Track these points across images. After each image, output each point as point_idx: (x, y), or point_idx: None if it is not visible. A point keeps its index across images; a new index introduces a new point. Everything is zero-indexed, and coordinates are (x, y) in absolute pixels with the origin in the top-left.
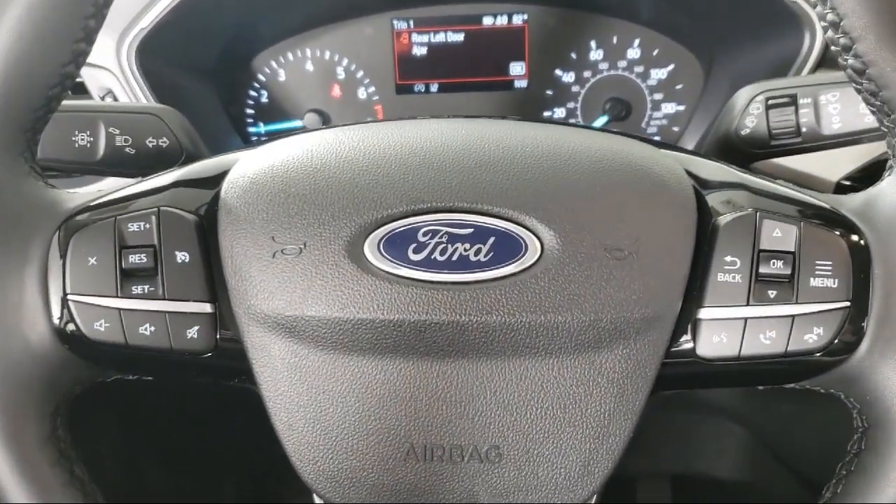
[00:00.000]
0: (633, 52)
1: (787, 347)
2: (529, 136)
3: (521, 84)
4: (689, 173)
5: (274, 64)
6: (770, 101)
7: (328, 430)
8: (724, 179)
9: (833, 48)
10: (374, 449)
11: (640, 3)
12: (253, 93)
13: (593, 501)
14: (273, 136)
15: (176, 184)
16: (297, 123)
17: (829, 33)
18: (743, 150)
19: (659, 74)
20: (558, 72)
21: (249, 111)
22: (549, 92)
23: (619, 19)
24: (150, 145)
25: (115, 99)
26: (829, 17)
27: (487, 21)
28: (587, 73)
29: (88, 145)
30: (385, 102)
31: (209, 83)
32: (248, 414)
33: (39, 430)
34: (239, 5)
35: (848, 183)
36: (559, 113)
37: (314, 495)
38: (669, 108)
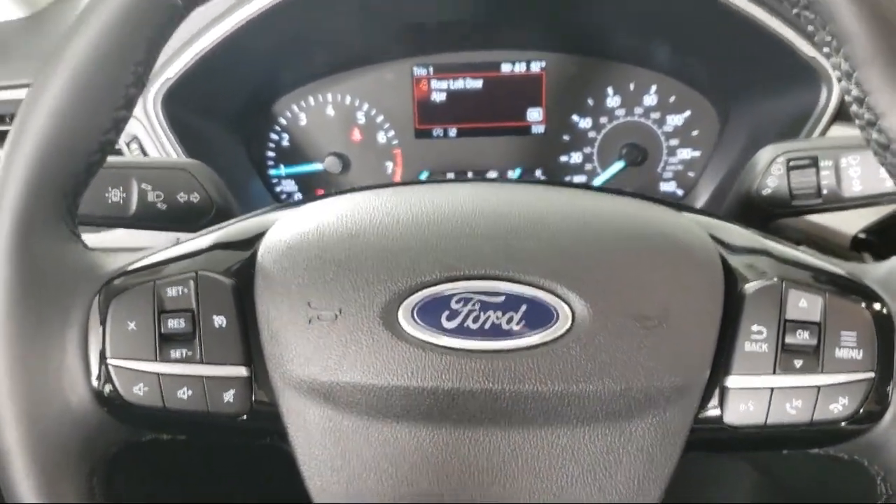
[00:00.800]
0: (650, 99)
1: (813, 417)
2: (558, 203)
3: (538, 129)
4: (714, 238)
5: (295, 108)
6: (792, 163)
7: (361, 494)
8: (749, 245)
9: (847, 98)
10: None
11: (657, 51)
12: (274, 136)
13: None
14: (296, 178)
15: (212, 247)
16: (318, 167)
17: (843, 83)
18: (764, 209)
19: (675, 121)
20: (575, 117)
21: (270, 154)
22: (566, 137)
23: (635, 66)
24: (182, 200)
25: (141, 145)
26: (843, 67)
27: (506, 68)
28: (604, 119)
29: (121, 201)
30: (404, 146)
31: (232, 128)
32: (280, 473)
33: (77, 491)
34: (263, 55)
35: (864, 236)
36: (576, 158)
37: None
38: (685, 153)
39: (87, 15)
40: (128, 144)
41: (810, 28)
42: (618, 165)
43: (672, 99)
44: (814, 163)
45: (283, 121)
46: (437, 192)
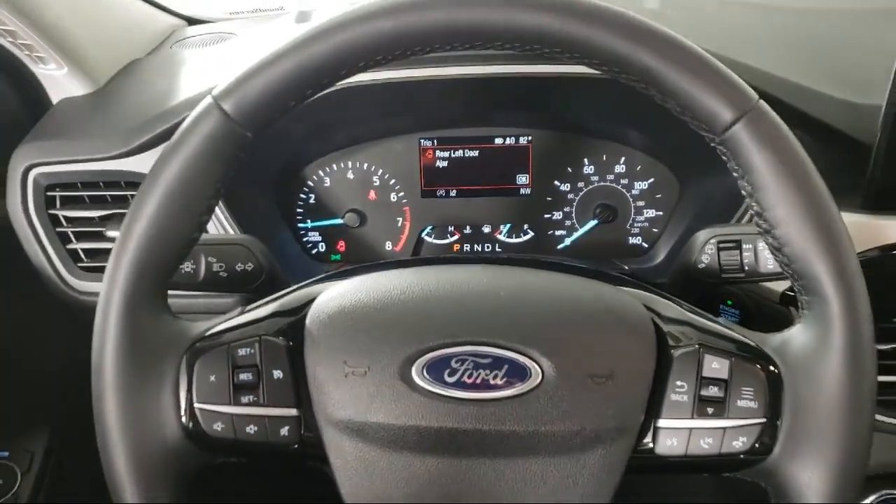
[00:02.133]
0: (620, 168)
1: (721, 450)
2: (531, 284)
3: (525, 192)
4: (649, 309)
5: (321, 173)
6: (721, 244)
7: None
8: (676, 317)
9: (751, 209)
10: None
11: (626, 133)
12: (303, 196)
13: None
14: (320, 230)
15: (271, 315)
16: (339, 221)
17: (748, 200)
18: (700, 279)
19: (641, 186)
20: (557, 182)
21: (300, 210)
22: (549, 198)
23: (607, 141)
24: (239, 269)
25: None
26: (747, 188)
27: (498, 141)
28: (581, 184)
29: (192, 271)
30: (412, 204)
31: (268, 191)
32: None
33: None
34: (296, 135)
35: (790, 293)
36: (557, 216)
37: None
38: (650, 213)
39: (181, 140)
40: None
41: (723, 158)
42: (592, 223)
43: (638, 168)
44: (738, 245)
45: (310, 183)
46: (443, 273)
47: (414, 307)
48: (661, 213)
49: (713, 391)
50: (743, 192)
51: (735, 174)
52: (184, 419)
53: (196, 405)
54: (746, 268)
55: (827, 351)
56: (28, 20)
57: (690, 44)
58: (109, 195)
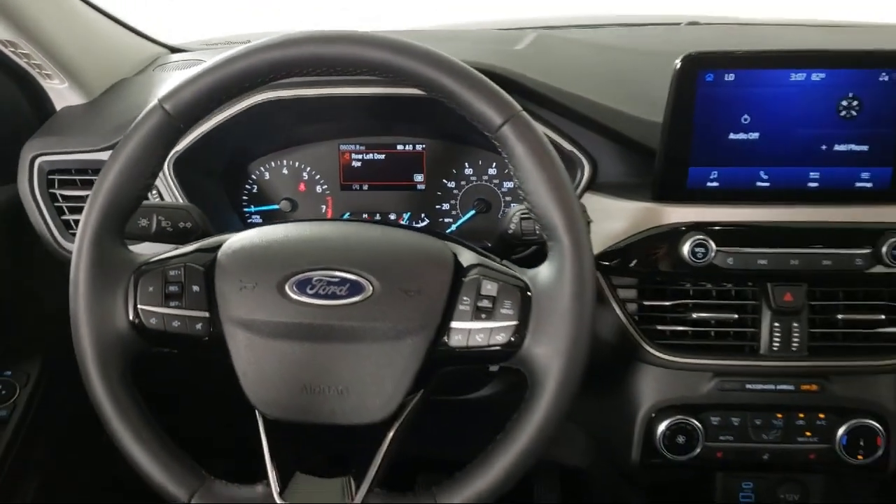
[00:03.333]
0: (492, 170)
1: (489, 342)
2: (375, 231)
3: (420, 187)
4: (453, 252)
5: (262, 168)
6: (522, 216)
7: (263, 377)
8: (470, 257)
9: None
10: (287, 386)
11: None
12: (248, 187)
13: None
14: (261, 213)
15: (195, 251)
16: (276, 207)
17: (521, 194)
18: (510, 242)
19: (508, 185)
20: (444, 180)
21: (245, 198)
22: (438, 193)
23: (483, 150)
24: (181, 226)
25: (160, 193)
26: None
27: (400, 147)
28: (463, 182)
29: (146, 226)
30: (333, 196)
31: (219, 181)
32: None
33: (119, 376)
34: (240, 137)
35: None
36: (445, 207)
37: (257, 412)
38: (516, 206)
39: (135, 128)
40: (150, 193)
41: (498, 149)
42: (471, 212)
43: (505, 171)
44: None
45: (254, 176)
46: (314, 226)
47: (290, 245)
48: (523, 205)
49: (485, 304)
50: (511, 173)
51: (506, 160)
52: (130, 316)
53: (139, 306)
54: (537, 232)
55: (561, 275)
56: (39, 46)
57: (475, 71)
58: (95, 179)
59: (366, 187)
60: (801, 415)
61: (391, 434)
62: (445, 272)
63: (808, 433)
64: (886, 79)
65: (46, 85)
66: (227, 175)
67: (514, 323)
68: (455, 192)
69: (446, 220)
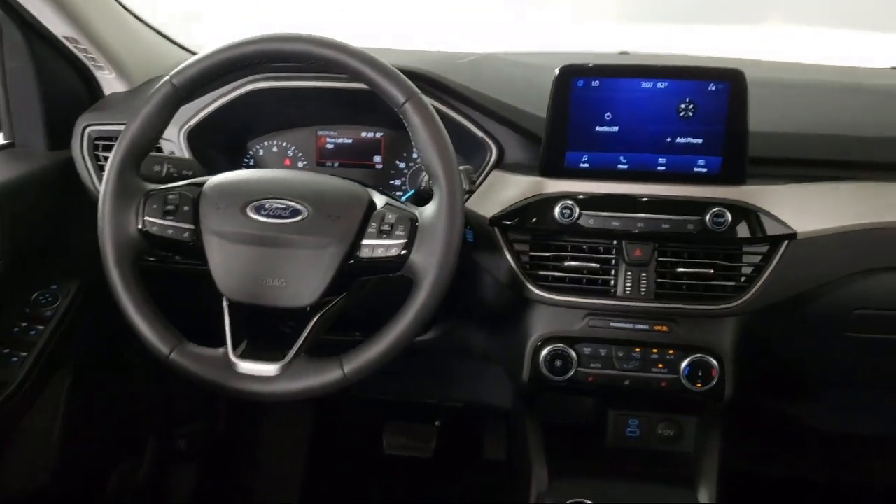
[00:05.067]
0: None
1: (386, 256)
2: (313, 177)
3: (379, 166)
4: (368, 194)
5: (257, 146)
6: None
7: (229, 271)
8: (379, 199)
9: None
10: (244, 277)
11: None
12: (245, 160)
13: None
14: None
15: (188, 184)
16: None
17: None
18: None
19: None
20: (397, 161)
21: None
22: (392, 171)
23: None
24: (184, 174)
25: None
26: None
27: (363, 134)
28: (411, 164)
29: (158, 171)
30: (311, 170)
31: (223, 153)
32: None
33: (128, 265)
34: (238, 118)
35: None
36: (397, 183)
37: (224, 298)
38: None
39: (150, 97)
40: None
41: (404, 122)
42: (411, 192)
43: None
44: None
45: (251, 152)
46: (271, 171)
47: (252, 181)
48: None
49: (386, 227)
50: (411, 139)
51: (408, 130)
52: (139, 225)
53: (145, 218)
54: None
55: (439, 210)
56: (95, 43)
57: (384, 62)
58: None
59: (336, 164)
60: (655, 350)
61: (316, 318)
62: (361, 206)
63: (660, 365)
64: (714, 88)
65: (98, 74)
66: (229, 149)
67: (404, 241)
68: (405, 171)
69: (397, 193)
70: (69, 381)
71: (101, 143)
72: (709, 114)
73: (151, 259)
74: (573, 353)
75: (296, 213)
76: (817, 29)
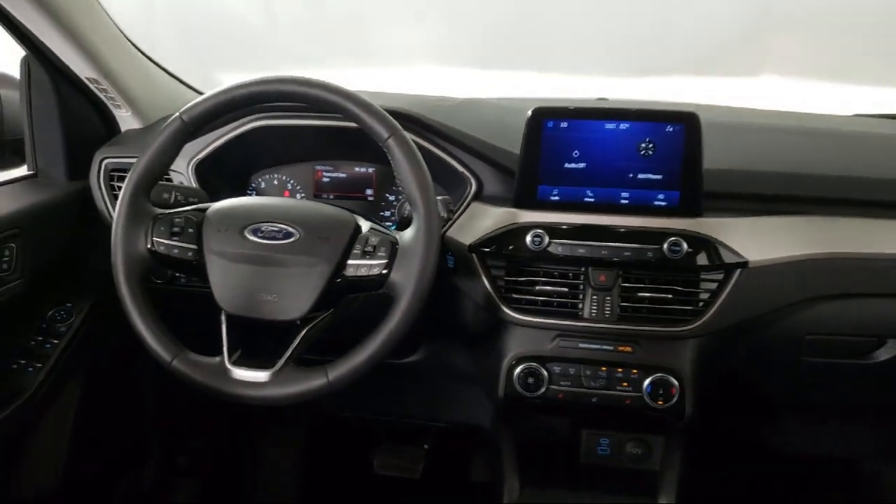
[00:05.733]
0: None
1: (369, 274)
2: (305, 204)
3: (371, 198)
4: (355, 220)
5: (259, 179)
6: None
7: (227, 286)
8: (365, 224)
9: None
10: (241, 292)
11: None
12: (248, 192)
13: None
14: None
15: (193, 209)
16: None
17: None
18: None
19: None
20: (387, 195)
21: None
22: (382, 203)
23: None
24: (190, 201)
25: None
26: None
27: (356, 169)
28: (400, 197)
29: (167, 198)
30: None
31: (227, 185)
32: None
33: (137, 280)
34: (241, 153)
35: (477, 244)
36: (387, 213)
37: (222, 311)
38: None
39: (161, 131)
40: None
41: (388, 156)
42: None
43: None
44: None
45: (253, 185)
46: (267, 199)
47: (250, 207)
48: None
49: (369, 248)
50: (394, 172)
51: (391, 163)
52: (148, 245)
53: (153, 238)
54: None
55: (417, 234)
56: (114, 84)
57: (369, 101)
58: None
59: (332, 196)
60: (620, 369)
61: (304, 331)
62: (347, 229)
63: (624, 383)
64: (671, 129)
65: (116, 112)
66: (234, 181)
67: (385, 261)
68: (394, 203)
69: (387, 223)
70: (79, 392)
71: (117, 174)
72: (667, 152)
73: (158, 281)
74: (545, 372)
75: (289, 235)
76: (801, 81)
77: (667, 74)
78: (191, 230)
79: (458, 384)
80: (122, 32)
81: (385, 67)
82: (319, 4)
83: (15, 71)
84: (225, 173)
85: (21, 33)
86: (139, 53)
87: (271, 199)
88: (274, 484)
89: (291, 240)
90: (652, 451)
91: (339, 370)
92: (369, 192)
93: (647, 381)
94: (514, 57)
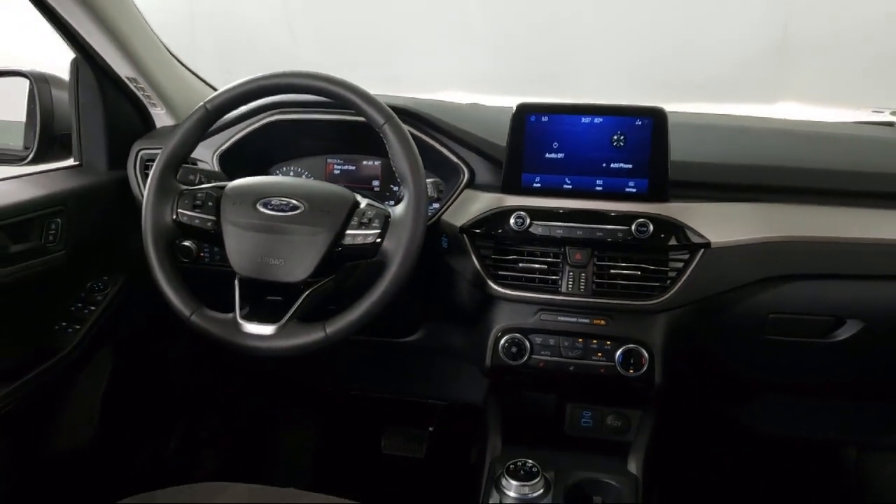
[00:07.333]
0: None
1: (364, 242)
2: (310, 182)
3: (377, 189)
4: (354, 196)
5: (277, 171)
6: None
7: (241, 252)
8: (362, 200)
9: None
10: (252, 257)
11: None
12: None
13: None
14: None
15: (213, 186)
16: None
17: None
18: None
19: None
20: (391, 185)
21: None
22: (387, 193)
23: None
24: (212, 180)
25: None
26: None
27: (364, 162)
28: None
29: (192, 179)
30: None
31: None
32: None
33: (164, 247)
34: (260, 145)
35: (468, 226)
36: (391, 203)
37: (237, 276)
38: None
39: (188, 118)
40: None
41: (384, 140)
42: None
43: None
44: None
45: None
46: (277, 178)
47: (263, 184)
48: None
49: (365, 220)
50: (389, 155)
51: (387, 147)
52: (174, 216)
53: (178, 210)
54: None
55: (407, 208)
56: (151, 83)
57: (366, 90)
58: None
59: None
60: (594, 341)
61: (307, 292)
62: (347, 204)
63: (599, 354)
64: (640, 122)
65: (152, 111)
66: (254, 173)
67: (378, 231)
68: (398, 193)
69: (390, 208)
70: (112, 358)
71: (150, 163)
72: (637, 143)
73: (185, 260)
74: (527, 343)
75: (295, 207)
76: (818, 108)
77: (686, 101)
78: (210, 203)
79: (456, 363)
80: (158, 39)
81: (413, 92)
82: (347, 30)
83: (64, 73)
84: (245, 164)
85: (70, 35)
86: (173, 57)
87: (281, 178)
88: (289, 460)
89: (297, 212)
90: (630, 424)
91: (336, 325)
92: (375, 183)
93: (619, 352)
94: (539, 84)
